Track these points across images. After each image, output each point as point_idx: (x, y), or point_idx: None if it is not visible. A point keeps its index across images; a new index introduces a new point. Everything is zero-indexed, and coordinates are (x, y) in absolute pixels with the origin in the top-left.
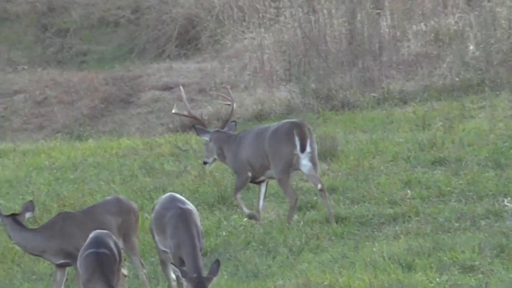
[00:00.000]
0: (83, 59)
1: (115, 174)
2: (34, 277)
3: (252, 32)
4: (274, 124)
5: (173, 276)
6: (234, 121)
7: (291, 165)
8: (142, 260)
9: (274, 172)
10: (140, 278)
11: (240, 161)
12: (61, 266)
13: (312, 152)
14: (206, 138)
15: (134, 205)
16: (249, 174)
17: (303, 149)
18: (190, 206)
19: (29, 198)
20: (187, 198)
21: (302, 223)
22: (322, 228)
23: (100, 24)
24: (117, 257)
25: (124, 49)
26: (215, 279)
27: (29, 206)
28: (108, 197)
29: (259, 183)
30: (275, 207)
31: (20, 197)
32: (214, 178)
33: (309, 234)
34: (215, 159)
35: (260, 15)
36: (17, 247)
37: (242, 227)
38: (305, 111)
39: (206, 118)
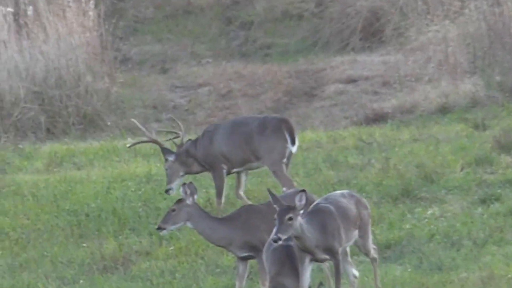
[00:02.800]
0: (267, 52)
1: (298, 167)
2: (218, 270)
3: (436, 24)
4: (252, 118)
5: (354, 272)
6: (189, 140)
7: (284, 157)
8: None
9: (268, 165)
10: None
11: (212, 154)
12: (244, 259)
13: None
14: (171, 158)
15: (316, 198)
16: (224, 166)
17: (293, 142)
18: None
19: (212, 191)
20: (370, 192)
21: (486, 215)
22: (506, 220)
23: (284, 17)
24: None
25: (308, 42)
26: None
27: (187, 188)
28: (291, 190)
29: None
30: (459, 200)
31: (204, 190)
32: (398, 171)
33: (493, 226)
34: (182, 176)
35: (445, 7)
36: (201, 239)
37: (426, 220)
38: (490, 104)
39: (389, 111)
